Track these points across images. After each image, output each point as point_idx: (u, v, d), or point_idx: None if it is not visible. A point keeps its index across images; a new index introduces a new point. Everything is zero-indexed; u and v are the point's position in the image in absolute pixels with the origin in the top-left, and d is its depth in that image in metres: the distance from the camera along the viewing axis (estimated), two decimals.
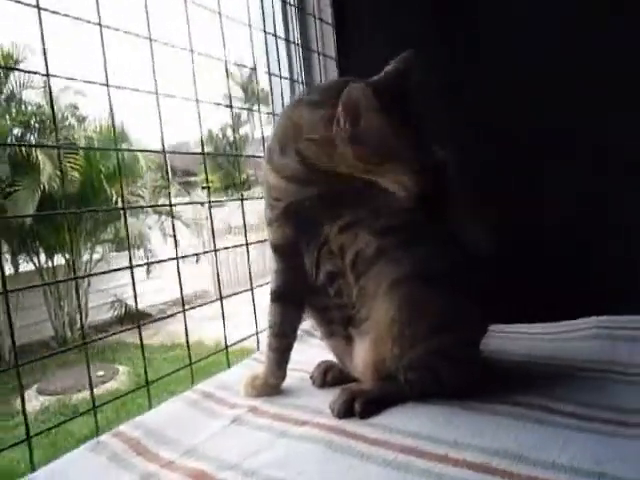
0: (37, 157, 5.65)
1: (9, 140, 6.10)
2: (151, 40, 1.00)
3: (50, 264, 6.50)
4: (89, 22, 0.90)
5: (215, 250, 1.29)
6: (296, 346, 1.02)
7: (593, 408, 0.74)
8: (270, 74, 1.48)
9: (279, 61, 1.52)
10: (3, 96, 6.17)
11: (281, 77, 1.51)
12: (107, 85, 0.93)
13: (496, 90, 1.42)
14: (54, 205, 5.98)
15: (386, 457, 0.67)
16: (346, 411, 0.80)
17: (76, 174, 6.13)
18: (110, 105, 0.96)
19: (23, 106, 6.21)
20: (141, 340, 1.01)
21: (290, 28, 1.57)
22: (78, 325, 6.51)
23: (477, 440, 0.68)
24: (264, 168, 0.89)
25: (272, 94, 1.51)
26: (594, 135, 1.31)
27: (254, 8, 1.45)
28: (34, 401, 4.57)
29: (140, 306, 5.37)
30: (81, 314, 5.95)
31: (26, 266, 6.40)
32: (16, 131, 6.30)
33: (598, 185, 1.32)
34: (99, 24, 0.91)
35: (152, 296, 6.45)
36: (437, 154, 0.81)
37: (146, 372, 1.00)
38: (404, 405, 0.81)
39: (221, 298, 1.17)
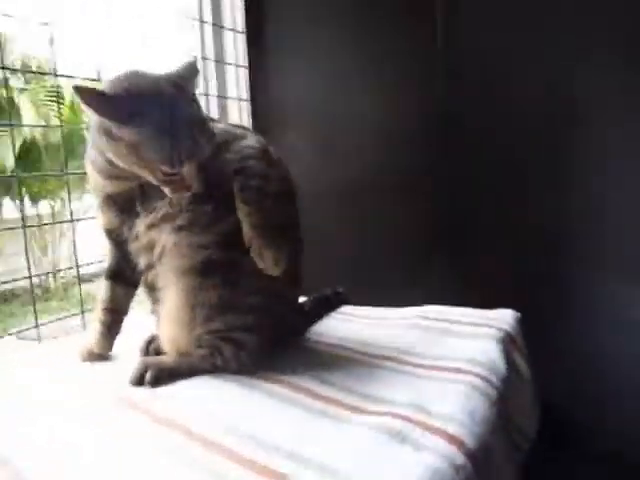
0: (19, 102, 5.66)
1: None
2: None
3: (35, 211, 6.61)
4: None
5: None
6: None
7: (345, 392, 0.79)
8: None
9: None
10: None
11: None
12: None
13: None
14: (38, 153, 6.03)
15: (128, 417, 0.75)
16: (138, 380, 0.86)
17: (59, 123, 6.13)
18: None
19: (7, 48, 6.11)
20: None
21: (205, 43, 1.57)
22: (62, 274, 6.66)
23: (214, 412, 0.75)
24: (86, 157, 0.90)
25: None
26: None
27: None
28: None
29: None
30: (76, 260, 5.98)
31: (10, 213, 6.47)
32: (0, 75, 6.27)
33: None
34: None
35: None
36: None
37: None
38: (195, 377, 0.87)
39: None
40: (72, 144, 6.25)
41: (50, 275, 6.58)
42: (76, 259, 1.38)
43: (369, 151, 1.60)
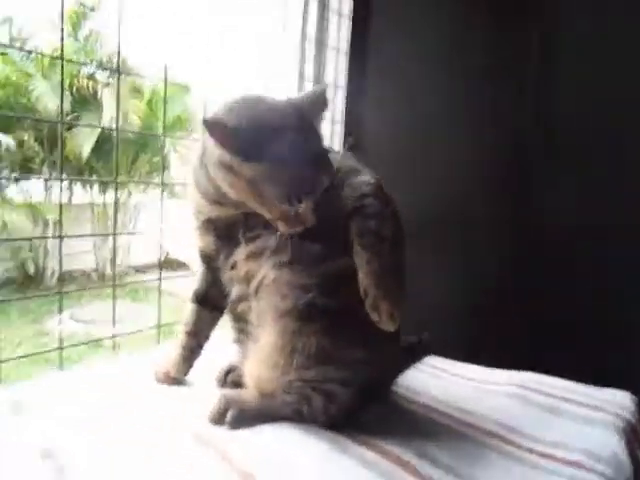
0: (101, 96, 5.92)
1: (81, 74, 6.34)
2: None
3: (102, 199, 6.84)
4: None
5: None
6: None
7: (451, 474, 0.69)
8: None
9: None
10: (83, 33, 6.40)
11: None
12: None
13: None
14: (112, 145, 6.27)
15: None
16: (218, 419, 0.80)
17: (137, 119, 6.37)
18: None
19: (98, 44, 6.40)
20: None
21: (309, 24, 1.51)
22: (119, 262, 6.84)
23: (295, 467, 0.68)
24: (189, 178, 0.87)
25: None
26: None
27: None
28: (65, 325, 4.88)
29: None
30: None
31: (79, 199, 6.73)
32: (89, 68, 6.58)
33: None
34: None
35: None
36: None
37: None
38: (276, 423, 0.79)
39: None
40: (145, 139, 6.52)
41: (108, 262, 6.77)
42: (160, 270, 1.35)
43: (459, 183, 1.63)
